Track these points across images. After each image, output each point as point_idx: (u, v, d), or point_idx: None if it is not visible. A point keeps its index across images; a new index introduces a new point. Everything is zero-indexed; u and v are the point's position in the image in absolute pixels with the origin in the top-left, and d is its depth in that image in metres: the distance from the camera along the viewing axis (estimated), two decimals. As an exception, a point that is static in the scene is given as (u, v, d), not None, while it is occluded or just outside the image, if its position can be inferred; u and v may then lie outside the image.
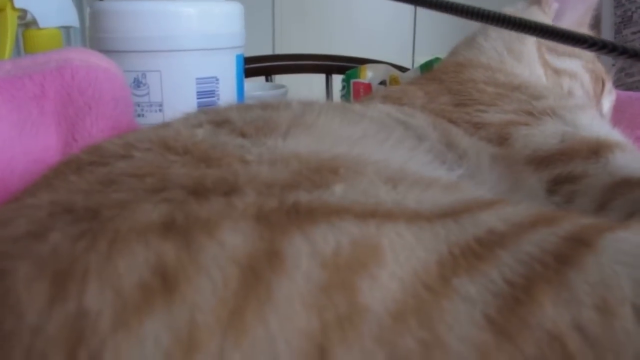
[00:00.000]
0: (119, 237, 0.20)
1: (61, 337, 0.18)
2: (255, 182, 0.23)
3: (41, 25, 0.64)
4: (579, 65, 0.59)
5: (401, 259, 0.20)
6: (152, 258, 0.19)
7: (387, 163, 0.29)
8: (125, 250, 0.19)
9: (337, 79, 1.02)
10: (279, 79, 1.37)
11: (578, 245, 0.19)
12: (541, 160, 0.43)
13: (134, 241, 0.20)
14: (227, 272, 0.19)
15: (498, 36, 0.59)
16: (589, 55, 0.61)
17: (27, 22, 0.64)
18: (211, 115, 0.35)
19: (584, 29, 0.64)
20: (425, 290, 0.19)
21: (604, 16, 1.06)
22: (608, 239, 0.20)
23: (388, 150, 0.33)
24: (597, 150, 0.42)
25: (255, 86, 0.93)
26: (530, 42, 0.58)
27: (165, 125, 0.35)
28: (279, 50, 2.57)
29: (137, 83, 0.58)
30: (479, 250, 0.20)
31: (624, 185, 0.39)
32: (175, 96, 0.59)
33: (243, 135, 0.30)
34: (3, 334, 0.19)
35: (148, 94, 0.58)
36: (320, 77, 1.23)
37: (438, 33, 2.58)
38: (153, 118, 0.58)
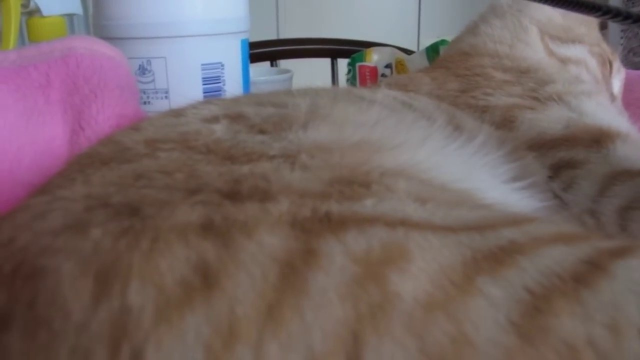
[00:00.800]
0: (160, 236, 0.21)
1: (105, 332, 0.19)
2: (288, 191, 0.24)
3: (44, 13, 0.64)
4: (584, 51, 0.58)
5: (428, 257, 0.21)
6: (193, 256, 0.20)
7: (409, 147, 0.30)
8: (166, 249, 0.20)
9: (343, 63, 1.01)
10: (284, 63, 1.37)
11: (594, 268, 0.20)
12: (544, 144, 0.43)
13: (175, 241, 0.21)
14: (265, 269, 0.20)
15: (503, 25, 0.58)
16: (593, 38, 0.60)
17: (30, 11, 0.64)
18: (223, 107, 0.35)
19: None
20: (451, 285, 0.20)
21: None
22: (621, 266, 0.21)
23: (406, 132, 0.34)
24: (599, 139, 0.42)
25: (261, 71, 0.92)
26: (534, 33, 0.57)
27: (177, 114, 0.35)
28: (284, 35, 2.55)
29: (142, 70, 0.58)
30: (501, 256, 0.21)
31: (624, 174, 0.39)
32: (180, 83, 0.59)
33: (262, 132, 0.30)
34: (52, 333, 0.19)
35: (153, 80, 0.58)
36: (326, 61, 1.22)
37: (443, 15, 2.56)
38: (159, 105, 0.58)
